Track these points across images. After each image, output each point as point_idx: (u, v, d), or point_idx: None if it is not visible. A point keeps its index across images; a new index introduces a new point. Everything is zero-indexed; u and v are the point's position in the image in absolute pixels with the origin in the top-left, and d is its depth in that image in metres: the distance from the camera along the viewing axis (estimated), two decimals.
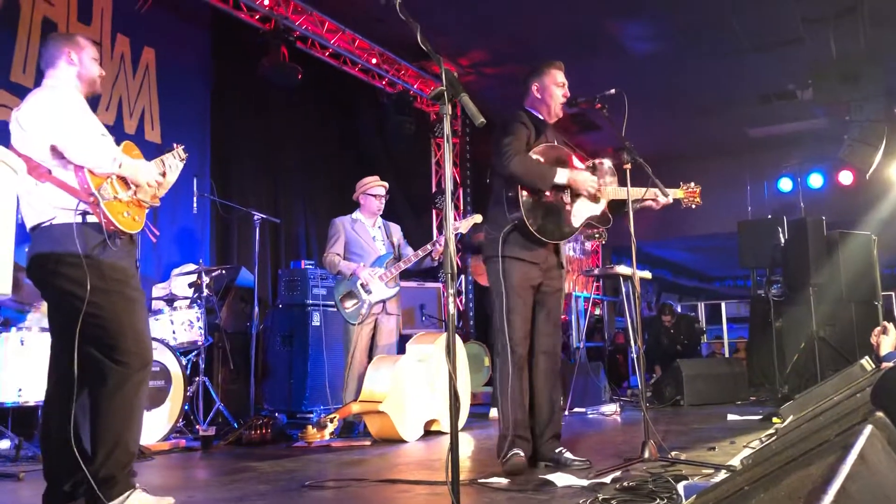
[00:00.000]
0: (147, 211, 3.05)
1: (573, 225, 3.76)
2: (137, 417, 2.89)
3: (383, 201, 5.79)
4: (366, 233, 5.69)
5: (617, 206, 3.93)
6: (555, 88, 3.83)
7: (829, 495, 0.84)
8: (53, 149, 2.78)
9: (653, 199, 3.94)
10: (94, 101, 6.17)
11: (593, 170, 3.82)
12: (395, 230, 5.91)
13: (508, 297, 3.58)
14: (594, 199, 3.81)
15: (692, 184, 4.11)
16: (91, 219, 2.80)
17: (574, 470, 3.41)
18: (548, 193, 3.65)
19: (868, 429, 1.09)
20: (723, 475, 3.02)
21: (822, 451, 1.09)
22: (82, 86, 3.08)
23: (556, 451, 3.63)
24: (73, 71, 3.05)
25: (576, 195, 3.75)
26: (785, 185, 11.15)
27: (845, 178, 10.80)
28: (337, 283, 5.61)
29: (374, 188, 5.75)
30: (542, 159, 3.66)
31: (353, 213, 5.79)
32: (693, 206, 4.14)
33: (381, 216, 5.86)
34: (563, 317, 10.70)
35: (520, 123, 3.70)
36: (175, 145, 3.28)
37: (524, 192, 3.58)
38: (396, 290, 5.59)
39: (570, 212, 3.74)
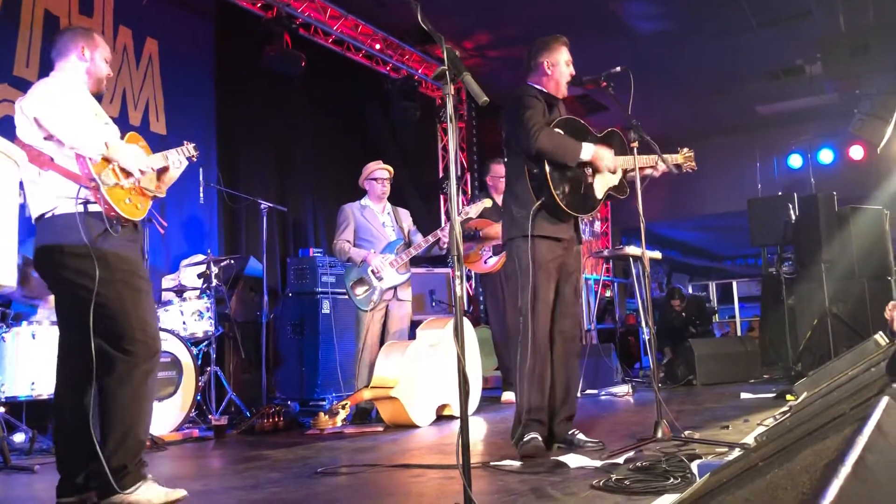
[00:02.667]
0: (151, 202, 3.04)
1: (597, 197, 3.74)
2: (147, 407, 2.89)
3: (387, 185, 5.75)
4: (375, 219, 5.67)
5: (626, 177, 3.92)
6: (563, 66, 3.78)
7: (847, 466, 0.81)
8: (51, 134, 2.77)
9: (652, 167, 3.90)
10: (97, 95, 6.19)
11: (607, 142, 3.79)
12: (405, 216, 5.89)
13: (536, 277, 3.51)
14: (611, 170, 3.79)
15: (685, 149, 4.10)
16: (93, 207, 2.79)
17: (587, 451, 3.39)
18: (571, 168, 3.61)
19: (885, 400, 1.06)
20: (737, 453, 3.00)
21: (838, 425, 1.07)
22: (90, 82, 3.08)
23: (570, 432, 3.62)
24: (82, 66, 3.06)
25: (596, 168, 3.72)
26: (795, 161, 11.05)
27: (856, 152, 10.69)
28: (347, 269, 5.60)
29: (376, 172, 5.72)
30: (562, 133, 3.60)
31: (362, 199, 5.77)
32: (690, 171, 4.12)
33: (390, 202, 5.84)
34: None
35: (533, 97, 3.64)
36: (185, 143, 3.27)
37: (550, 167, 3.54)
38: (407, 276, 5.58)
39: (592, 184, 3.71)
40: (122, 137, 3.02)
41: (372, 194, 5.73)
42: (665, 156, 3.91)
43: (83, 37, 3.08)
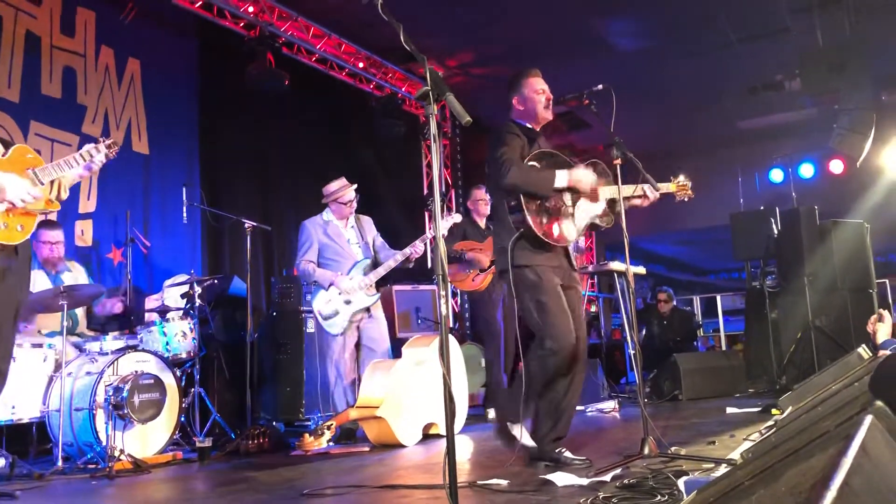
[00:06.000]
0: (39, 217, 2.96)
1: (578, 226, 3.75)
2: None
3: (354, 205, 5.56)
4: (340, 236, 5.50)
5: (610, 206, 3.91)
6: (535, 96, 3.82)
7: (832, 490, 0.81)
8: None
9: (641, 197, 3.92)
10: (80, 114, 6.17)
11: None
12: (368, 225, 5.70)
13: (539, 294, 3.54)
14: (594, 198, 3.78)
15: (682, 177, 4.10)
16: None
17: (574, 469, 3.38)
18: (550, 198, 3.63)
19: (868, 419, 1.07)
20: (724, 469, 3.00)
21: (823, 443, 1.07)
22: None
23: (557, 450, 3.61)
24: None
25: (577, 197, 3.72)
26: (776, 175, 11.14)
27: (836, 167, 10.81)
28: (314, 293, 5.45)
29: (344, 195, 5.50)
30: (538, 165, 3.64)
31: (324, 212, 5.58)
32: (686, 199, 4.13)
33: (365, 212, 5.72)
34: None
35: (511, 134, 3.70)
36: (101, 139, 3.20)
37: (526, 200, 3.57)
38: (377, 296, 5.47)
39: (573, 214, 3.72)
40: (5, 153, 2.91)
41: (338, 213, 5.55)
42: (659, 185, 3.93)
43: None
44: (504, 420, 3.74)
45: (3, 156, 2.90)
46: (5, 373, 2.92)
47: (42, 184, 2.95)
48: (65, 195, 3.08)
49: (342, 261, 5.45)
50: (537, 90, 3.82)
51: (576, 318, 3.66)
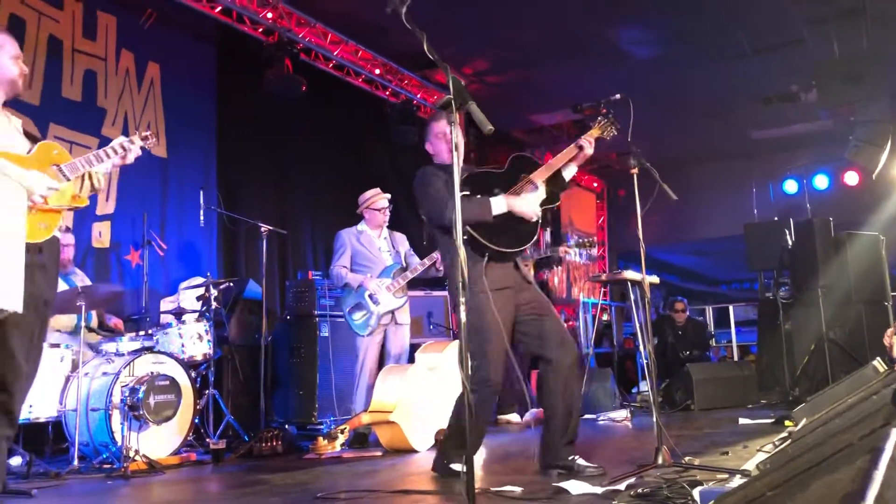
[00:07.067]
0: (65, 214, 2.86)
1: (532, 221, 3.72)
2: None
3: (388, 213, 5.79)
4: (372, 244, 5.69)
5: (554, 181, 3.89)
6: (440, 137, 3.92)
7: (868, 501, 0.82)
8: None
9: (577, 154, 3.89)
10: (100, 116, 6.22)
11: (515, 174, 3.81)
12: (402, 240, 5.90)
13: (490, 327, 3.55)
14: (535, 214, 3.77)
15: (601, 117, 4.04)
16: None
17: (587, 477, 3.39)
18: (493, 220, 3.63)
19: (894, 432, 1.08)
20: (738, 480, 3.00)
21: (847, 456, 1.08)
22: (1, 88, 2.82)
23: (570, 458, 3.61)
24: None
25: (520, 189, 3.75)
26: (790, 187, 11.11)
27: (851, 178, 10.77)
28: (345, 294, 5.62)
29: (377, 202, 5.75)
30: (467, 192, 3.63)
31: (359, 224, 5.79)
32: (612, 135, 4.06)
33: (389, 226, 5.86)
34: (570, 322, 10.68)
35: (434, 175, 3.77)
36: (137, 131, 3.10)
37: (472, 227, 3.57)
38: (405, 300, 5.59)
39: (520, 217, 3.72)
40: (31, 149, 2.80)
41: (371, 222, 5.75)
42: (587, 135, 3.93)
43: None
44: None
45: (28, 152, 2.80)
46: (33, 375, 2.85)
47: (68, 179, 2.83)
48: (98, 185, 2.99)
49: (373, 266, 5.60)
50: (440, 132, 3.92)
51: (546, 322, 3.69)
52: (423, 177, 3.81)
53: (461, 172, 3.74)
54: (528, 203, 3.68)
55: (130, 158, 3.00)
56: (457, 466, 3.64)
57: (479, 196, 3.65)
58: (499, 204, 3.63)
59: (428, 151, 4.02)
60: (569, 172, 3.97)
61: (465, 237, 3.57)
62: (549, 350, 3.67)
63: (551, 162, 3.83)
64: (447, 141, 3.89)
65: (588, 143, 3.89)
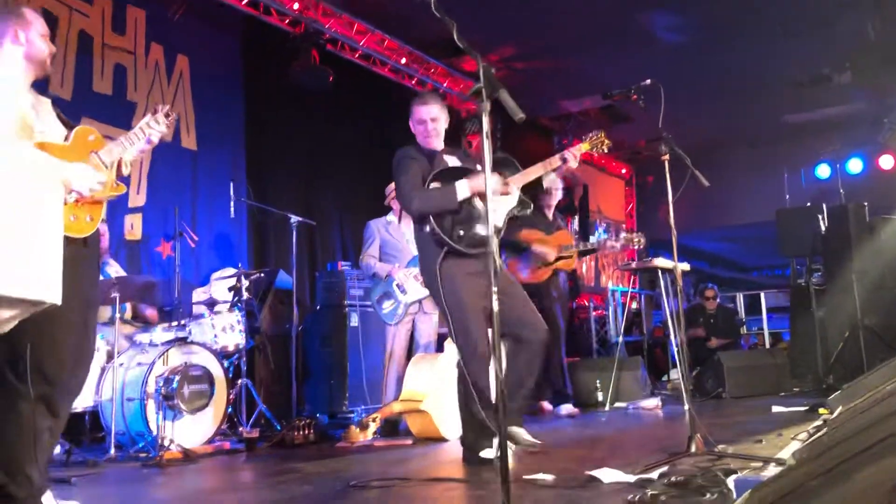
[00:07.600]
0: (106, 202, 2.81)
1: (497, 224, 3.79)
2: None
3: None
4: (400, 234, 5.71)
5: (532, 186, 3.93)
6: (417, 126, 3.98)
7: None
8: None
9: (561, 166, 3.91)
10: (130, 110, 6.30)
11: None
12: None
13: (463, 317, 3.64)
14: (504, 192, 3.83)
15: (593, 132, 4.11)
16: None
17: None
18: (460, 210, 3.68)
19: None
20: (773, 468, 2.98)
21: (893, 445, 1.06)
22: (31, 67, 2.69)
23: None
24: (19, 52, 2.65)
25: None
26: (823, 171, 10.93)
27: (886, 162, 10.56)
28: (373, 284, 5.66)
29: None
30: (439, 185, 3.72)
31: (388, 214, 5.81)
32: (604, 151, 4.11)
33: None
34: (599, 311, 10.61)
35: (410, 159, 3.82)
36: (160, 107, 2.99)
37: (437, 220, 3.65)
38: None
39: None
40: (68, 136, 2.73)
41: (399, 212, 5.75)
42: (573, 148, 3.96)
43: (13, 17, 2.62)
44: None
45: (65, 140, 2.73)
46: (80, 371, 2.76)
47: (107, 167, 2.79)
48: (126, 171, 2.90)
49: (401, 255, 5.62)
50: (417, 119, 3.98)
51: (516, 304, 3.70)
52: (399, 159, 3.87)
53: (442, 163, 3.79)
54: (492, 182, 3.68)
55: (156, 139, 2.93)
56: (487, 453, 3.65)
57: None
58: (462, 189, 3.66)
59: (411, 131, 4.06)
60: (548, 180, 4.04)
61: (427, 228, 3.69)
62: (521, 330, 3.72)
63: (529, 170, 3.88)
64: (424, 126, 3.96)
65: (573, 157, 3.93)
